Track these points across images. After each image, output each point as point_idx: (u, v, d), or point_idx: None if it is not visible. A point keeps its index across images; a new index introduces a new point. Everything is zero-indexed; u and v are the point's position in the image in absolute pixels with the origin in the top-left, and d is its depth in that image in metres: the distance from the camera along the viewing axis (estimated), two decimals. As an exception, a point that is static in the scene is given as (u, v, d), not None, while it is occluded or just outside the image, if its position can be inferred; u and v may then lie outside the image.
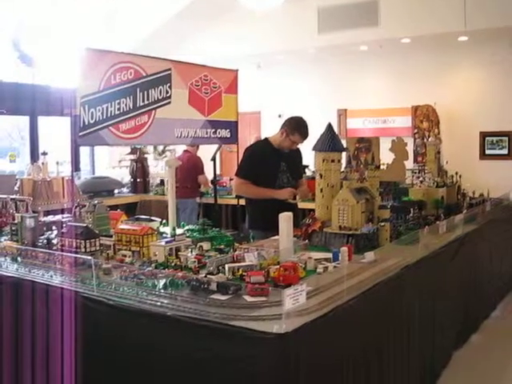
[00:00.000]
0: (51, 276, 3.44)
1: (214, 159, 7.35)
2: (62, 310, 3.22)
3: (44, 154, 8.30)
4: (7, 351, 3.57)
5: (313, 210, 4.49)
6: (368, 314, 3.22)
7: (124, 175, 10.18)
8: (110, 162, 11.25)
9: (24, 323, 3.46)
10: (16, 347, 3.54)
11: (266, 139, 5.58)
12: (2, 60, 11.96)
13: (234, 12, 11.77)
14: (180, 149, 9.52)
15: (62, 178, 7.99)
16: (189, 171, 8.57)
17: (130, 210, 8.33)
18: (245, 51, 12.03)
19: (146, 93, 4.73)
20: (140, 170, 9.83)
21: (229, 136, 5.59)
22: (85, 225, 3.89)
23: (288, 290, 2.60)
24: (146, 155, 10.08)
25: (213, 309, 2.72)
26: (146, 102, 4.75)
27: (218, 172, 8.02)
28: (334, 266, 3.45)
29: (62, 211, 6.43)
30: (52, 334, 3.28)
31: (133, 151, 9.80)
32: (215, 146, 6.98)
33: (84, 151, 12.59)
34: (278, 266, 3.18)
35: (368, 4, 11.09)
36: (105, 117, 4.40)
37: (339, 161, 4.33)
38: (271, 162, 5.32)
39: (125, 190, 10.03)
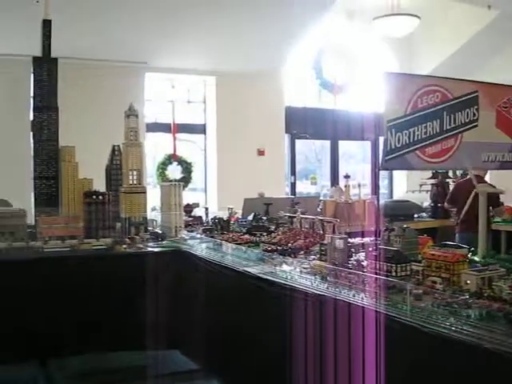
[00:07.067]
0: (362, 298, 3.51)
1: (517, 185, 6.96)
2: (368, 332, 3.26)
3: (347, 176, 8.58)
4: (311, 364, 3.73)
5: None
6: None
7: (423, 199, 10.10)
8: (407, 186, 11.24)
9: (327, 341, 3.57)
10: (320, 362, 3.67)
11: None
12: (306, 87, 12.82)
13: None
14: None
15: (364, 201, 8.18)
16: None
17: (429, 235, 8.20)
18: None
19: (452, 116, 4.67)
20: (441, 194, 9.65)
21: (537, 160, 5.27)
22: (396, 249, 3.93)
23: None
24: (447, 180, 9.90)
25: (535, 345, 2.54)
26: (453, 126, 4.69)
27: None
28: None
29: (363, 233, 6.56)
30: (356, 356, 3.34)
31: (434, 175, 9.70)
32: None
33: (382, 175, 12.80)
34: None
35: None
36: (411, 140, 4.43)
37: None
38: None
39: (424, 214, 9.97)
